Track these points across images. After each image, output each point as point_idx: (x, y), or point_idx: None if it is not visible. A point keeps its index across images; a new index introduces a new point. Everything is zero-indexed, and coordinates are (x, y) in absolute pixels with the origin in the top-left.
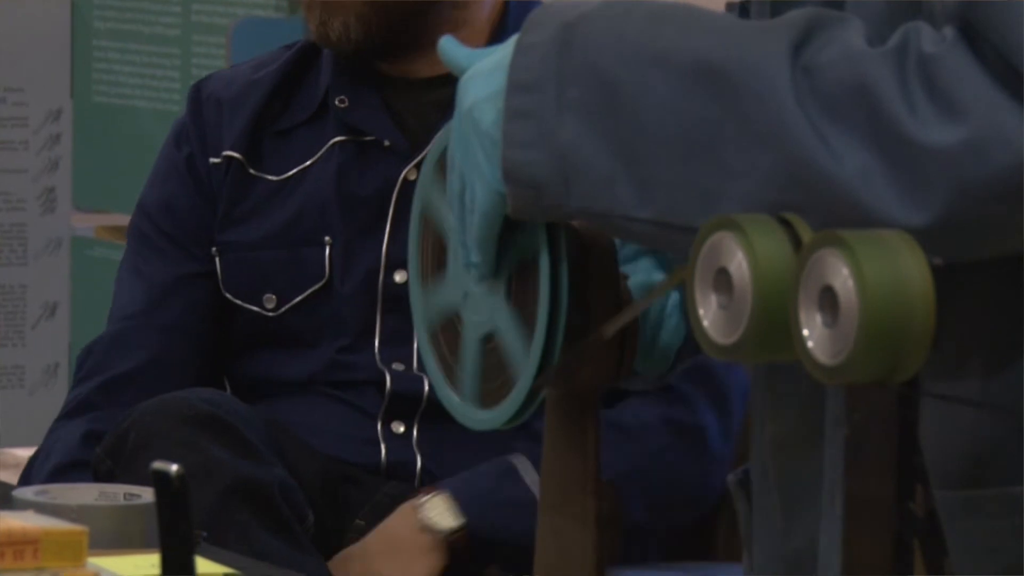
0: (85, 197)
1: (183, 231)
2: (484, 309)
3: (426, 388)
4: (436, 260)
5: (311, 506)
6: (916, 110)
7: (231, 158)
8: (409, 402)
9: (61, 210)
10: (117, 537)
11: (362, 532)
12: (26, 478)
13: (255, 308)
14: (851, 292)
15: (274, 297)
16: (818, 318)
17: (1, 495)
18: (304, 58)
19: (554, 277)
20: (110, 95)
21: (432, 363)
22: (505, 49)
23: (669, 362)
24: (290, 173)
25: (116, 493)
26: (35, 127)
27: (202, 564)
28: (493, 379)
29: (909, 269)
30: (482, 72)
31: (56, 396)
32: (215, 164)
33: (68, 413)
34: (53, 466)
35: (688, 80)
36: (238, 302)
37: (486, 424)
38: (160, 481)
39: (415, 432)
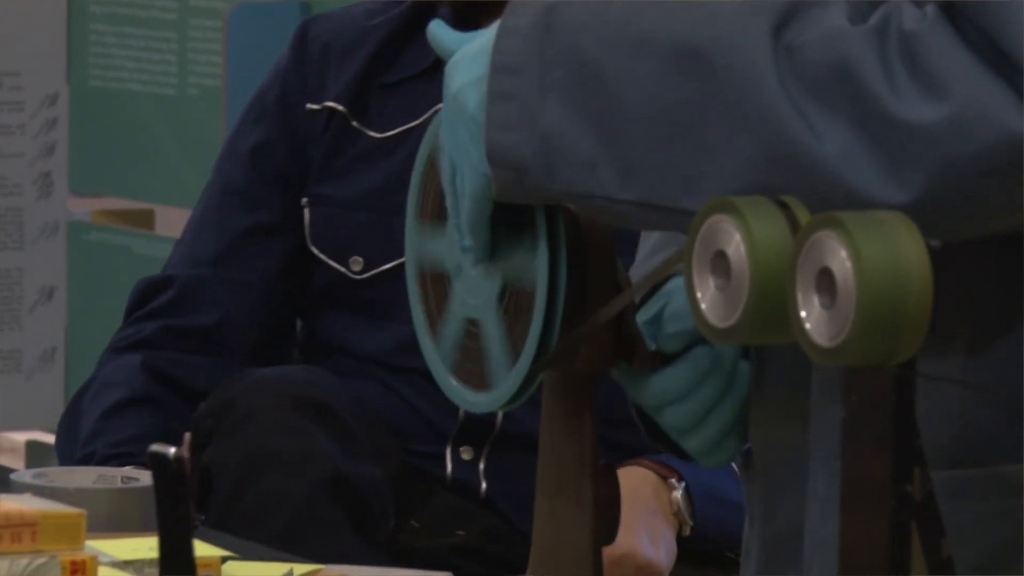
0: (82, 181)
1: (266, 178)
2: (475, 294)
3: (499, 417)
4: (437, 206)
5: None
6: (898, 88)
7: (333, 109)
8: (481, 427)
9: (58, 194)
10: (115, 520)
11: (415, 534)
12: (75, 414)
13: (340, 268)
14: (849, 274)
15: (361, 260)
16: (816, 300)
17: None
18: (419, 11)
19: (553, 261)
20: (107, 79)
21: (416, 302)
22: (491, 32)
23: (734, 451)
24: (394, 131)
25: (114, 476)
26: (31, 111)
27: (200, 547)
28: (472, 360)
29: (907, 251)
30: (467, 56)
31: (53, 380)
32: (312, 111)
33: (123, 348)
34: (117, 400)
35: (669, 62)
36: (323, 257)
37: (482, 407)
38: (158, 464)
39: (482, 462)
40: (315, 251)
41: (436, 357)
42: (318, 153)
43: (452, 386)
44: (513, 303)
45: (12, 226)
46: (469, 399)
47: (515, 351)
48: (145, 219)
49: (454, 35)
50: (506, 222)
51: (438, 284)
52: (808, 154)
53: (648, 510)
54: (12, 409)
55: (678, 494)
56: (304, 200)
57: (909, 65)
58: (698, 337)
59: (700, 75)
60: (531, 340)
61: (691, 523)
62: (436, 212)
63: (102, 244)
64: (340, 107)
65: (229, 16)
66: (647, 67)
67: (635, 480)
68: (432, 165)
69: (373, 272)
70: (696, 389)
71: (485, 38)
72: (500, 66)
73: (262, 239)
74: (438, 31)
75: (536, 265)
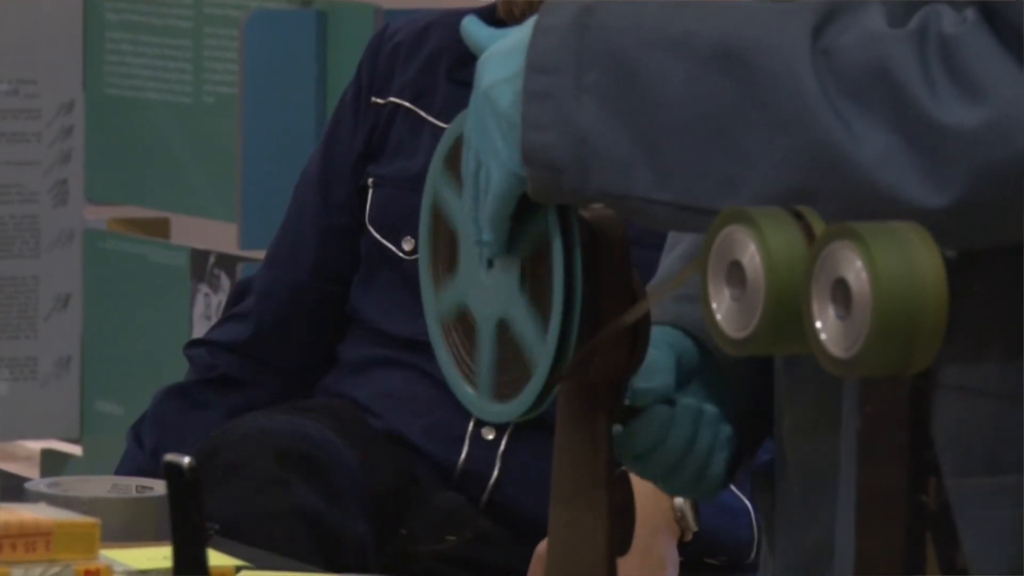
0: (97, 189)
1: (335, 175)
2: (497, 299)
3: None
4: (448, 255)
5: (377, 502)
6: (937, 91)
7: (397, 104)
8: None
9: (73, 202)
10: (129, 529)
11: (404, 542)
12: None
13: (392, 247)
14: (864, 285)
15: (413, 240)
16: (831, 311)
17: (14, 487)
18: (497, 19)
19: (568, 268)
20: (122, 87)
21: (445, 358)
22: (524, 30)
23: (719, 486)
24: None
25: (128, 486)
26: (47, 119)
27: (214, 556)
28: (508, 371)
29: (922, 261)
30: (500, 52)
31: (69, 388)
32: (377, 104)
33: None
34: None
35: (707, 64)
36: (378, 237)
37: (502, 417)
38: (172, 474)
39: (504, 442)
40: (371, 229)
41: (433, 313)
42: (381, 141)
43: (469, 396)
44: (535, 290)
45: (28, 234)
46: (489, 409)
47: (505, 383)
48: (161, 227)
49: (487, 31)
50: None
51: (462, 328)
52: (846, 157)
53: (647, 527)
54: (27, 417)
55: (680, 499)
56: (370, 180)
57: (948, 68)
58: (664, 395)
59: (738, 77)
60: (548, 349)
61: (695, 528)
62: (448, 261)
63: (118, 252)
64: (403, 101)
65: (245, 24)
66: (684, 68)
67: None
68: (436, 216)
69: None
70: (659, 444)
71: (519, 35)
72: (536, 65)
73: (330, 241)
74: (471, 27)
75: (552, 271)
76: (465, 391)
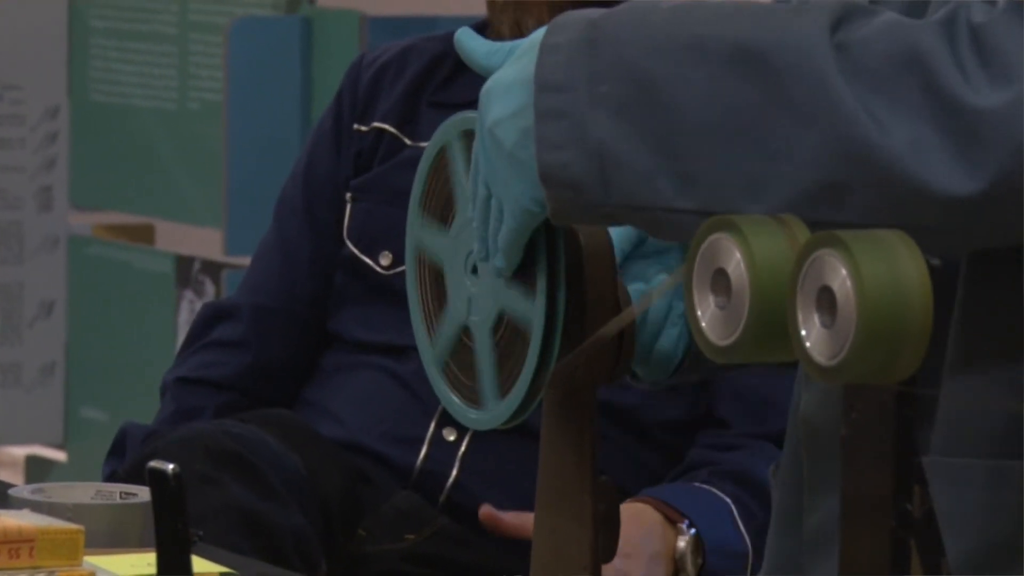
0: (82, 195)
1: (318, 200)
2: (487, 302)
3: None
4: (437, 296)
5: (323, 502)
6: (968, 76)
7: (381, 129)
8: None
9: (58, 208)
10: (113, 536)
11: (362, 543)
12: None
13: (369, 262)
14: (849, 293)
15: (390, 255)
16: (816, 318)
17: None
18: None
19: (552, 274)
20: (107, 93)
21: (448, 394)
22: (525, 57)
23: (669, 371)
24: None
25: (113, 492)
26: (32, 125)
27: (198, 563)
28: (507, 366)
29: (907, 269)
30: (502, 86)
31: (53, 395)
32: (360, 131)
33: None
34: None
35: (725, 66)
36: (355, 251)
37: (484, 424)
38: (156, 480)
39: (464, 443)
40: (348, 244)
41: (431, 358)
42: (367, 165)
43: (453, 402)
44: (524, 281)
45: (12, 240)
46: (470, 416)
47: (508, 374)
48: (145, 234)
49: (483, 45)
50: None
51: (459, 356)
52: (874, 148)
53: (649, 556)
54: (11, 424)
55: (684, 542)
56: (348, 195)
57: (979, 54)
58: None
59: (759, 76)
60: (531, 357)
61: (693, 575)
62: (437, 302)
63: (102, 258)
64: (387, 126)
65: (230, 30)
66: (701, 72)
67: (641, 519)
68: (441, 161)
69: (398, 269)
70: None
71: (520, 65)
72: (545, 84)
73: (321, 267)
74: (466, 40)
75: (536, 276)
76: (473, 416)
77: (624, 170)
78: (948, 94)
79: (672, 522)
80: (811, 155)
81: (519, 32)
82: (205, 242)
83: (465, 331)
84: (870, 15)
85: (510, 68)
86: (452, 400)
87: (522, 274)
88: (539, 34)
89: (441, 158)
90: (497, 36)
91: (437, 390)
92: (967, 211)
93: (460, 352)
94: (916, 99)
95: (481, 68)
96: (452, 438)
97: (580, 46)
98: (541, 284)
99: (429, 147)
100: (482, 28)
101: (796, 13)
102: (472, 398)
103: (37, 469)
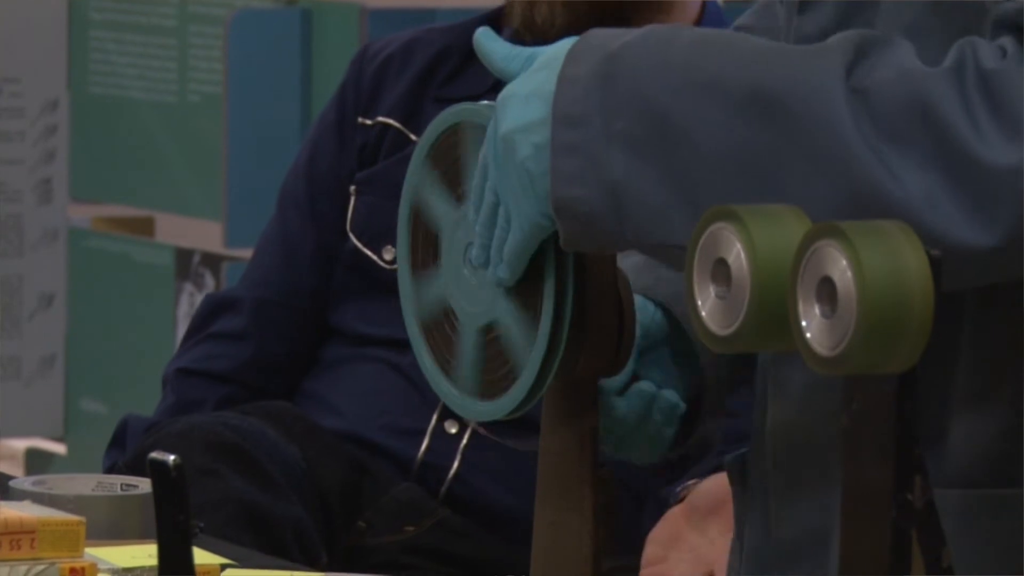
0: (82, 188)
1: (321, 193)
2: (482, 300)
3: None
4: (428, 253)
5: (323, 494)
6: (980, 128)
7: (386, 124)
8: None
9: (58, 201)
10: (114, 527)
11: (362, 535)
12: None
13: (372, 256)
14: (849, 283)
15: (393, 250)
16: (816, 309)
17: None
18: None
19: (559, 274)
20: (107, 86)
21: (426, 356)
22: (544, 70)
23: (655, 456)
24: None
25: (114, 483)
26: (32, 118)
27: (199, 555)
28: (494, 370)
29: (907, 260)
30: (519, 96)
31: (53, 387)
32: (364, 124)
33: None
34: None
35: (741, 106)
36: (359, 245)
37: (487, 415)
38: (157, 471)
39: (466, 437)
40: (352, 238)
41: (455, 394)
42: (372, 159)
43: (451, 394)
44: (523, 292)
45: (12, 233)
46: (476, 408)
47: (491, 379)
48: (145, 226)
49: (502, 48)
50: None
51: (443, 326)
52: (887, 197)
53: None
54: (11, 416)
55: None
56: (352, 188)
57: (990, 105)
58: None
59: (774, 119)
60: (538, 350)
61: None
62: (427, 258)
63: (102, 251)
64: (392, 121)
65: (230, 23)
66: (717, 112)
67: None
68: (416, 213)
69: None
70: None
71: (538, 79)
72: (562, 117)
73: (325, 262)
74: (485, 41)
75: (539, 273)
76: (447, 389)
77: (638, 207)
78: (959, 146)
79: None
80: (823, 201)
81: (532, 22)
82: (205, 234)
83: (451, 310)
84: (886, 55)
85: (529, 80)
86: (446, 388)
87: (519, 286)
88: (559, 48)
89: (415, 215)
90: (509, 26)
91: (420, 359)
92: (981, 261)
93: (444, 322)
94: (927, 149)
95: (498, 71)
96: (454, 431)
97: (596, 80)
98: (549, 283)
99: (401, 213)
100: (496, 18)
101: (814, 55)
102: (447, 369)
103: (37, 462)
